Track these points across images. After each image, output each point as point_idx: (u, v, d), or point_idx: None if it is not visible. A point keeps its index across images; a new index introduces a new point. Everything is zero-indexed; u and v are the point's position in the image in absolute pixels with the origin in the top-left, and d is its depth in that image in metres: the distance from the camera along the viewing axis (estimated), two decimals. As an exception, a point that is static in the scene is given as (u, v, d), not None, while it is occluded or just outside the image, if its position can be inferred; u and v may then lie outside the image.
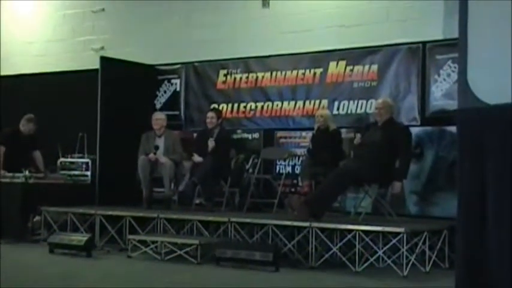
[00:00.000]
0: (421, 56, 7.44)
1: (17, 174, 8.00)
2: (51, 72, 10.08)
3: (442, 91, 7.28)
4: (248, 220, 6.69)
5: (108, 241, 7.23)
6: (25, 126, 8.58)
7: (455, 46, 2.68)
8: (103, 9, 10.15)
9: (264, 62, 8.58)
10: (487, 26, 2.51)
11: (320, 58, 8.15)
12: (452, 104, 6.83)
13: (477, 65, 2.52)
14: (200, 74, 9.08)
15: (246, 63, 8.71)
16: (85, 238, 6.79)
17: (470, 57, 2.54)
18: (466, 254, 2.52)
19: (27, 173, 7.97)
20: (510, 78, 2.41)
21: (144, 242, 6.67)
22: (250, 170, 8.19)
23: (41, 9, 10.82)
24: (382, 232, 6.06)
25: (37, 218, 7.81)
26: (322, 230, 6.17)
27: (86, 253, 6.66)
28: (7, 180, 8.01)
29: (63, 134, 9.14)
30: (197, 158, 7.77)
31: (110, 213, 7.33)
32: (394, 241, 5.88)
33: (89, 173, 8.59)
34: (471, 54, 2.54)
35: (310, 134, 7.87)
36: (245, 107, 8.67)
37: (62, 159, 8.81)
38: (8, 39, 10.78)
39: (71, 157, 8.82)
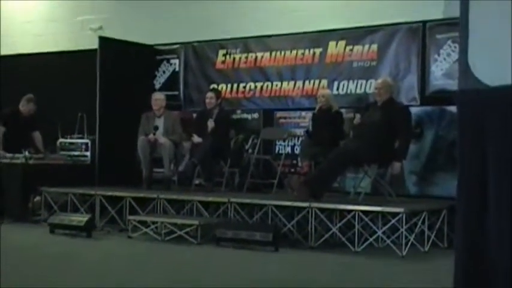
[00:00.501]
0: (421, 35, 7.41)
1: (16, 155, 8.00)
2: (49, 52, 10.04)
3: (442, 71, 7.26)
4: (248, 200, 6.71)
5: (108, 221, 7.25)
6: (25, 106, 8.57)
7: (456, 26, 2.65)
8: (101, -11, 10.08)
9: (263, 41, 8.54)
10: (488, 5, 2.49)
11: (319, 38, 8.11)
12: (452, 84, 6.82)
13: (478, 45, 2.50)
14: (199, 54, 9.05)
15: (245, 43, 8.67)
16: (85, 219, 6.81)
17: (471, 37, 2.52)
18: (466, 236, 2.52)
19: (27, 153, 7.98)
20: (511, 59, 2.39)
21: (144, 223, 6.69)
22: (250, 151, 8.20)
23: (38, -12, 10.74)
24: (382, 212, 6.08)
25: (37, 198, 7.83)
26: (322, 210, 6.19)
27: (86, 233, 6.69)
28: (7, 160, 8.02)
29: (62, 115, 9.13)
30: (197, 139, 7.77)
31: (110, 193, 7.35)
32: (393, 221, 5.90)
33: (88, 153, 8.60)
34: (472, 35, 2.51)
35: (309, 114, 7.86)
36: (244, 87, 8.64)
37: (61, 140, 8.81)
38: (6, 19, 10.72)
39: (71, 137, 8.82)
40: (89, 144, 8.61)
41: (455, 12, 2.91)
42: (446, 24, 7.10)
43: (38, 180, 7.73)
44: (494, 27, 2.44)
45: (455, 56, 7.07)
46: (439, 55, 7.28)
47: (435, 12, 7.31)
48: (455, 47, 7.07)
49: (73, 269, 5.06)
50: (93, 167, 8.41)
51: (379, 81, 6.94)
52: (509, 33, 2.39)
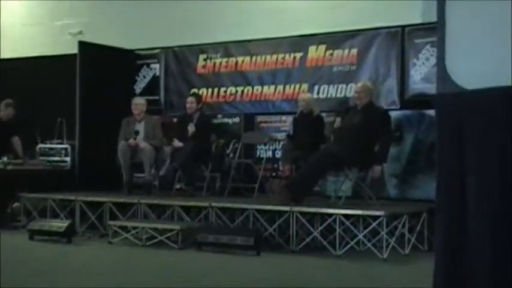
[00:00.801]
0: (400, 40, 7.47)
1: (-5, 161, 7.93)
2: (28, 57, 9.96)
3: (421, 75, 7.32)
4: (229, 205, 6.70)
5: (89, 227, 7.21)
6: (4, 111, 8.48)
7: (434, 30, 2.68)
8: (80, -8, 10.04)
9: (244, 46, 8.56)
10: (465, 9, 2.52)
11: (300, 42, 8.15)
12: (431, 88, 6.89)
13: (455, 49, 2.52)
14: (180, 58, 9.03)
15: (226, 48, 8.68)
16: (65, 224, 6.76)
17: (448, 41, 2.55)
18: (445, 238, 2.54)
19: (5, 159, 7.90)
20: (489, 62, 2.42)
21: (125, 228, 6.66)
22: (231, 155, 8.20)
23: (17, -8, 10.66)
24: (362, 216, 6.11)
25: (16, 204, 7.76)
26: (303, 214, 6.20)
27: (66, 239, 6.64)
28: (-15, 166, 7.95)
29: (41, 120, 9.06)
30: (177, 143, 7.76)
31: (90, 199, 7.30)
32: (374, 224, 5.93)
33: (68, 158, 8.54)
34: (449, 39, 2.54)
35: (290, 118, 7.88)
36: (225, 91, 8.65)
37: (40, 145, 8.74)
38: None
39: (50, 143, 8.75)
40: (69, 150, 8.55)
41: (433, 16, 2.94)
42: (424, 28, 7.17)
43: (17, 186, 7.66)
44: (471, 31, 2.47)
45: (433, 60, 7.12)
46: (418, 59, 7.35)
47: (415, 16, 7.37)
48: (433, 51, 7.12)
49: (54, 274, 5.02)
50: (73, 172, 8.35)
51: (359, 85, 6.98)
52: (486, 37, 2.43)
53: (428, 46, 7.23)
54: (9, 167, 7.91)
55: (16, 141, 8.55)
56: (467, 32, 2.48)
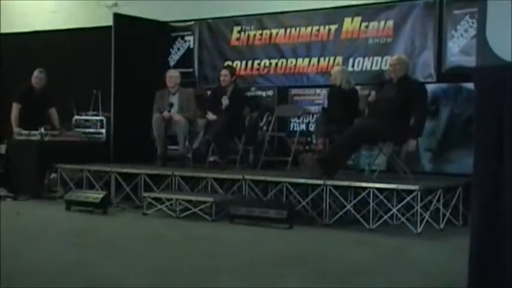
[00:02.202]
0: (438, 11, 7.32)
1: (32, 132, 8.05)
2: (64, 29, 10.04)
3: (459, 47, 7.18)
4: (262, 178, 6.71)
5: (124, 198, 7.30)
6: (37, 78, 8.55)
7: (474, 1, 2.60)
8: (116, -35, 10.04)
9: (278, 18, 8.48)
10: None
11: (335, 14, 8.04)
12: (469, 60, 6.75)
13: (497, 21, 2.46)
14: (214, 31, 9.00)
15: (260, 20, 8.61)
16: (101, 195, 6.86)
17: (489, 13, 2.47)
18: (482, 213, 2.51)
19: (42, 130, 8.02)
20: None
21: (159, 200, 6.73)
22: (264, 128, 8.19)
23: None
24: (396, 190, 6.06)
25: (53, 175, 7.89)
26: (336, 187, 6.18)
27: (101, 210, 6.74)
28: (23, 137, 8.09)
29: (77, 92, 9.16)
30: (211, 116, 7.77)
31: (125, 170, 7.38)
32: (408, 198, 5.89)
33: (103, 130, 8.64)
34: (490, 10, 2.47)
35: (324, 91, 7.82)
36: (259, 64, 8.60)
37: (76, 117, 8.85)
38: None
39: (86, 115, 8.86)
40: (104, 122, 8.64)
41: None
42: (464, -1, 7.01)
43: (54, 157, 7.78)
44: (514, 3, 2.40)
45: (473, 31, 6.97)
46: (456, 31, 7.19)
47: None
48: (473, 23, 6.96)
49: (89, 245, 5.11)
50: (108, 144, 8.45)
51: (395, 57, 6.88)
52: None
53: (467, 17, 7.06)
54: (46, 138, 8.03)
55: (53, 112, 8.68)
56: (509, 2, 2.41)
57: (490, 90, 2.44)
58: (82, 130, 8.70)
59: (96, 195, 6.89)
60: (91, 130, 8.70)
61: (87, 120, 8.78)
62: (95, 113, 8.85)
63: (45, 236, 5.49)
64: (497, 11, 2.45)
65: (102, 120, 8.67)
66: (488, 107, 2.45)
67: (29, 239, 5.24)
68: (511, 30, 2.38)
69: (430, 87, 7.06)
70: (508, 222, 2.38)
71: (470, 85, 6.52)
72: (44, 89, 8.60)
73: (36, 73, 8.56)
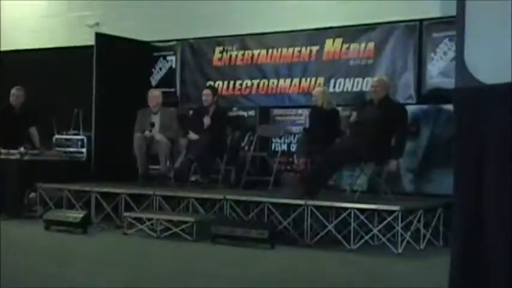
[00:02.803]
0: (418, 33, 7.41)
1: (12, 151, 7.98)
2: (46, 48, 10.01)
3: (438, 69, 7.27)
4: (244, 198, 6.70)
5: (104, 218, 7.24)
6: (14, 96, 8.47)
7: (452, 24, 2.66)
8: (98, -16, 10.07)
9: (260, 39, 8.53)
10: (485, 4, 2.49)
11: (316, 35, 8.11)
12: (448, 82, 6.83)
13: (474, 43, 2.50)
14: (196, 51, 9.03)
15: (242, 40, 8.66)
16: (81, 215, 6.80)
17: (467, 35, 2.52)
18: (463, 234, 2.52)
19: (22, 149, 7.96)
20: (508, 57, 2.39)
21: (139, 219, 6.69)
22: (246, 148, 8.20)
23: (35, -16, 10.71)
24: (377, 210, 6.08)
25: (33, 194, 7.82)
26: (318, 207, 6.19)
27: (81, 230, 6.68)
28: (3, 156, 8.00)
29: (58, 111, 9.11)
30: (193, 135, 7.76)
31: (105, 190, 7.33)
32: (389, 219, 5.91)
33: (84, 149, 8.59)
34: (468, 33, 2.51)
35: (306, 111, 7.86)
36: (241, 84, 8.63)
37: (57, 136, 8.80)
38: (3, 15, 10.67)
39: (67, 134, 8.81)
40: (85, 141, 8.60)
41: (452, 10, 2.91)
42: (443, 22, 7.11)
43: (34, 176, 7.72)
44: (491, 26, 2.44)
45: (451, 54, 7.07)
46: (435, 53, 7.29)
47: (433, 9, 7.31)
48: (451, 46, 7.06)
49: (69, 265, 5.05)
50: (89, 164, 8.39)
51: (376, 79, 6.94)
52: (506, 31, 2.39)
53: (446, 40, 7.16)
54: (26, 158, 7.96)
55: (33, 131, 8.61)
56: (487, 25, 2.45)
57: (469, 111, 2.48)
58: (63, 149, 8.64)
59: (76, 215, 6.84)
60: (72, 149, 8.64)
61: (67, 140, 8.73)
62: (75, 132, 8.80)
63: (24, 255, 5.42)
64: (475, 35, 2.49)
65: (83, 140, 8.63)
66: (467, 128, 2.49)
67: (6, 259, 5.17)
68: (488, 53, 2.42)
69: (410, 109, 7.11)
70: (490, 246, 2.40)
71: (450, 106, 6.59)
72: (23, 107, 8.54)
73: (13, 90, 8.50)
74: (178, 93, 9.13)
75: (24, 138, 8.37)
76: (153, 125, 7.87)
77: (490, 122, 2.40)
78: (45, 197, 7.64)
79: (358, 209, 6.00)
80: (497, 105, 2.38)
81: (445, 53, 7.20)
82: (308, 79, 8.14)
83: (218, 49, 8.83)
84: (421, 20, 7.39)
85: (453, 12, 3.00)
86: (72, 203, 7.47)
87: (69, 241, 6.32)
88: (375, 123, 6.51)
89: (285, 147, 8.21)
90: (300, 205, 6.23)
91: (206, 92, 8.01)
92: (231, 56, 8.72)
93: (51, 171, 7.90)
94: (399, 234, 5.79)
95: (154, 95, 8.13)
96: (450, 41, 7.10)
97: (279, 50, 8.36)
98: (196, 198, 6.92)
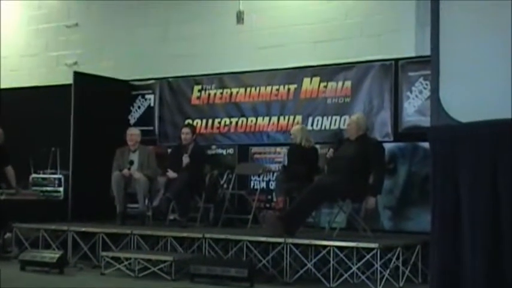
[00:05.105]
0: (394, 72, 7.53)
1: (-13, 191, 7.89)
2: (24, 87, 9.98)
3: (414, 107, 7.37)
4: (222, 236, 6.67)
5: (81, 258, 7.15)
6: None
7: (427, 63, 2.72)
8: (76, 24, 10.12)
9: (238, 77, 8.61)
10: (459, 44, 2.55)
11: (294, 74, 8.20)
12: (424, 120, 6.92)
13: (449, 83, 2.56)
14: (174, 89, 9.07)
15: (221, 79, 8.73)
16: (57, 255, 6.71)
17: (442, 75, 2.58)
18: (441, 268, 2.54)
19: (-2, 189, 7.87)
20: (481, 96, 2.45)
21: (117, 259, 6.61)
22: (225, 186, 8.19)
23: (13, 23, 10.73)
24: (356, 248, 6.08)
25: (8, 234, 7.70)
26: (297, 245, 6.18)
27: (58, 270, 6.58)
28: (-22, 196, 7.91)
29: (35, 150, 9.04)
30: (171, 174, 7.74)
31: (82, 229, 7.26)
32: (368, 257, 5.90)
33: (61, 188, 8.52)
34: (443, 72, 2.58)
35: (284, 149, 7.90)
36: (219, 122, 8.67)
37: (34, 175, 8.72)
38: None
39: (44, 173, 8.73)
40: (62, 180, 8.53)
41: (426, 49, 2.98)
42: (418, 62, 7.24)
43: (10, 216, 7.61)
44: (465, 65, 2.51)
45: (427, 93, 7.18)
46: (411, 92, 7.40)
47: (408, 49, 7.46)
48: (426, 84, 7.18)
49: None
50: (66, 203, 8.31)
51: (353, 117, 7.02)
52: (479, 71, 2.46)
53: (421, 79, 7.29)
54: (2, 197, 7.86)
55: (9, 171, 8.50)
56: (461, 65, 2.52)
57: (445, 149, 2.52)
58: (39, 188, 8.55)
59: (52, 255, 6.74)
60: (49, 188, 8.57)
61: (44, 179, 8.66)
62: (53, 171, 8.73)
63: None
64: (450, 74, 2.55)
65: (60, 178, 8.56)
66: (442, 165, 2.53)
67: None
68: (462, 92, 2.47)
69: (387, 146, 7.19)
70: (468, 281, 2.42)
71: (426, 144, 6.66)
72: (0, 146, 8.47)
73: None
74: (156, 131, 9.13)
75: (0, 178, 8.28)
76: (131, 163, 7.85)
77: (465, 159, 2.44)
78: (21, 237, 7.53)
79: (337, 246, 6.00)
80: (471, 143, 2.42)
81: (420, 92, 7.32)
82: (286, 117, 8.20)
83: (197, 88, 8.88)
84: (396, 60, 7.52)
85: (428, 52, 3.07)
86: (49, 243, 7.37)
87: (45, 282, 6.22)
88: (352, 160, 6.56)
89: (263, 185, 8.21)
90: (279, 243, 6.22)
91: (185, 130, 8.03)
92: (209, 94, 8.78)
93: (28, 210, 7.80)
94: (378, 272, 5.79)
95: (133, 133, 8.12)
96: (425, 80, 7.22)
97: (257, 88, 8.43)
98: (175, 237, 6.87)
